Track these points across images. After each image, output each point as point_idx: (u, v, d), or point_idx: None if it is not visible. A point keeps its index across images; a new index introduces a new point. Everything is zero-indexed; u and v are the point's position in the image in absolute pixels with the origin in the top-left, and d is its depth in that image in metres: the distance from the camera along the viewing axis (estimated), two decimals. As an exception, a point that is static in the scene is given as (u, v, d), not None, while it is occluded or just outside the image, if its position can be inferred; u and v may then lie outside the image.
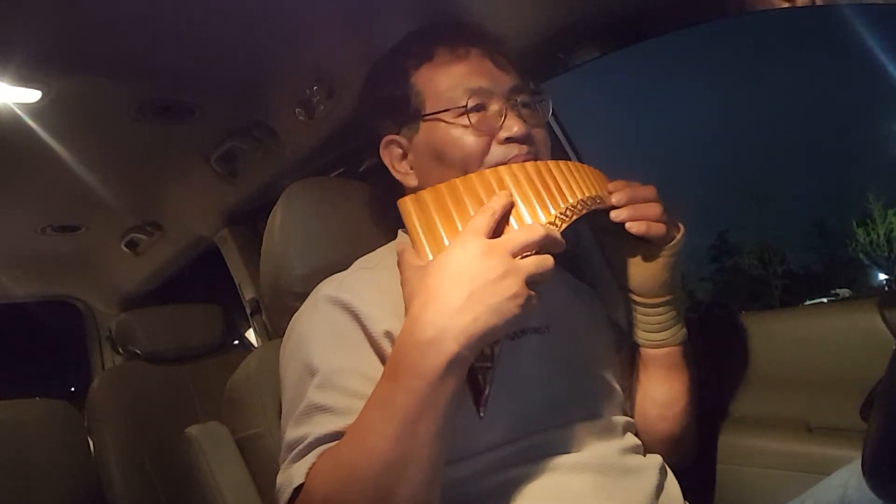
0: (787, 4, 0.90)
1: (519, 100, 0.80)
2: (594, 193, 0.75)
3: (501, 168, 0.73)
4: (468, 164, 0.77)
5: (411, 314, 0.61)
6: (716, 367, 1.04)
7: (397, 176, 0.85)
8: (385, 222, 1.00)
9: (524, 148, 0.77)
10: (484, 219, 0.65)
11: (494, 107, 0.78)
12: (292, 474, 0.64)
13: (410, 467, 0.58)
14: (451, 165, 0.78)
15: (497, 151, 0.77)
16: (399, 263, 0.67)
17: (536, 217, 0.69)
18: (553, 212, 0.70)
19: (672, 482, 0.81)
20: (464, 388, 0.62)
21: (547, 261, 0.63)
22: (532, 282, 0.61)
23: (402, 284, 0.66)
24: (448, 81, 0.79)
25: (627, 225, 0.77)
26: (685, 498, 0.82)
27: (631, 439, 0.82)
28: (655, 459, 0.81)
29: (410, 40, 0.85)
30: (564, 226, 0.69)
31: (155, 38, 1.06)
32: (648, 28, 1.03)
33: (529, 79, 0.86)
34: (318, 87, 1.19)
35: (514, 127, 0.76)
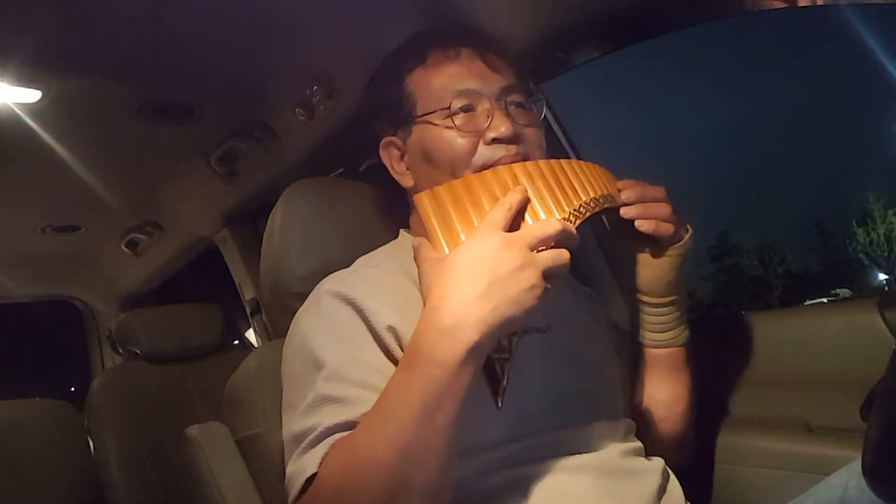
0: (786, 4, 0.90)
1: (510, 100, 0.81)
2: (606, 192, 0.76)
3: (516, 165, 0.73)
4: (455, 165, 0.78)
5: (430, 304, 0.62)
6: (716, 367, 1.04)
7: (395, 176, 0.87)
8: (385, 222, 1.00)
9: (512, 148, 0.78)
10: (501, 213, 0.66)
11: (483, 107, 0.79)
12: (304, 464, 0.64)
13: (427, 455, 0.59)
14: (439, 166, 0.79)
15: (484, 152, 0.78)
16: (416, 256, 0.68)
17: (551, 213, 0.70)
18: (566, 209, 0.71)
19: (674, 484, 0.81)
20: (480, 379, 0.62)
21: (563, 255, 0.64)
22: (549, 274, 0.62)
23: (419, 276, 0.67)
24: (438, 83, 0.80)
25: (637, 223, 0.78)
26: (686, 499, 0.82)
27: (633, 441, 0.82)
28: (657, 462, 0.81)
29: (406, 44, 0.87)
30: (578, 223, 0.71)
31: (155, 38, 1.06)
32: (648, 28, 1.03)
33: (527, 78, 0.87)
34: (318, 87, 1.19)
35: (501, 127, 0.77)
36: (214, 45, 1.12)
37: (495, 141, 0.77)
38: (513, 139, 0.77)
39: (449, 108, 0.78)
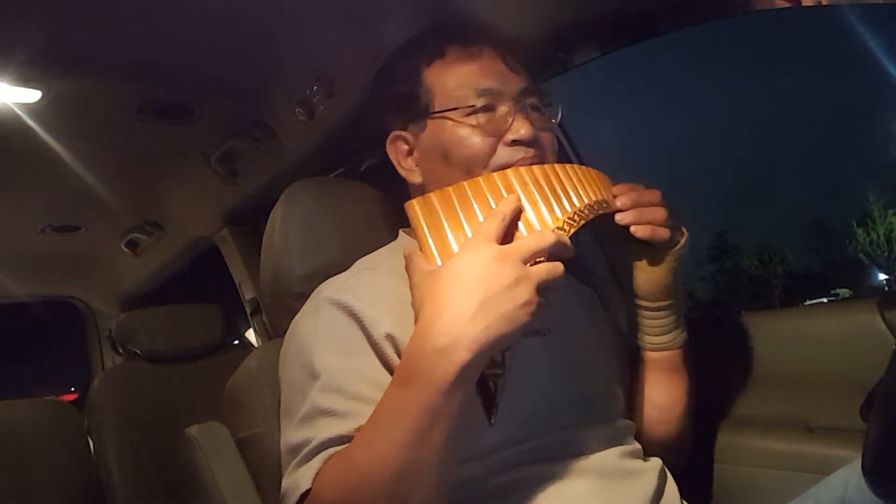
0: (787, 4, 0.90)
1: (528, 102, 0.80)
2: (601, 197, 0.75)
3: (509, 171, 0.72)
4: (473, 165, 0.77)
5: (423, 320, 0.60)
6: (716, 367, 1.04)
7: (402, 172, 0.85)
8: (385, 222, 1.00)
9: (530, 151, 0.77)
10: (494, 224, 0.64)
11: (503, 108, 0.78)
12: (299, 479, 0.64)
13: (422, 474, 0.58)
14: (455, 165, 0.78)
15: (503, 153, 0.77)
16: (407, 267, 0.66)
17: (544, 221, 0.68)
18: (561, 216, 0.69)
19: (671, 486, 0.81)
20: (474, 394, 0.62)
21: (557, 268, 0.63)
22: (543, 288, 0.61)
23: (411, 288, 0.65)
24: (458, 80, 0.79)
25: (632, 228, 0.77)
26: (685, 498, 0.82)
27: (631, 443, 0.82)
28: (655, 463, 0.81)
29: (424, 37, 0.85)
30: (573, 231, 0.69)
31: (155, 38, 1.06)
32: (649, 28, 1.03)
33: (538, 81, 0.86)
34: (318, 87, 1.19)
35: (521, 129, 0.76)
36: (214, 46, 1.12)
37: (515, 143, 0.76)
38: (532, 142, 0.77)
39: (473, 106, 0.77)
